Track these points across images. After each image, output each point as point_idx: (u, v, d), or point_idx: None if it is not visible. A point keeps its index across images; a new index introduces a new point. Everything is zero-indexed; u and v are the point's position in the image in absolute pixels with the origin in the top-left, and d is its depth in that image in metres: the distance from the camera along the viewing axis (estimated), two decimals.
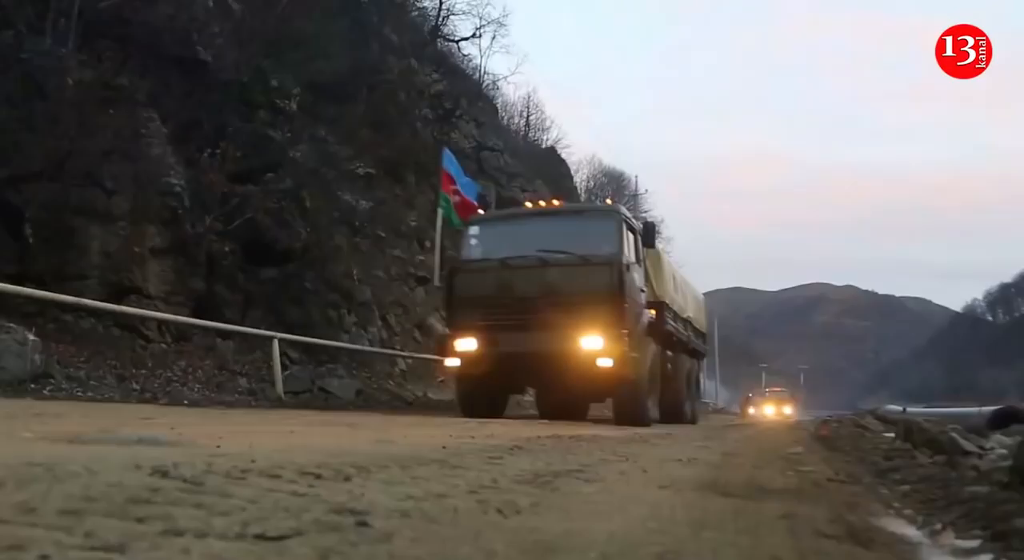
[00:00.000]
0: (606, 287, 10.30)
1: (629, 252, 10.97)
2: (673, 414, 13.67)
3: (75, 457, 2.27)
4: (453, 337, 10.97)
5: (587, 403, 13.80)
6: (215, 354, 13.09)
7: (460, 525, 1.76)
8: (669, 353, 13.51)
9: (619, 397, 10.89)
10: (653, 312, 12.05)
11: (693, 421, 15.20)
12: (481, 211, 13.83)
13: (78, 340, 10.96)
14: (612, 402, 11.36)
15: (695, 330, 16.50)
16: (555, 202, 12.61)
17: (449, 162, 15.96)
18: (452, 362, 10.94)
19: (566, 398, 12.81)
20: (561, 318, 10.02)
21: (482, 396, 10.98)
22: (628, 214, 11.77)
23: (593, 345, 9.97)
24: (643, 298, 11.51)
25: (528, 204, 13.11)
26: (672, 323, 13.59)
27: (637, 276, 11.18)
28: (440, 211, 15.51)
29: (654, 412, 11.76)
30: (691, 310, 15.99)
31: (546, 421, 10.74)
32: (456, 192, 15.78)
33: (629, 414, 10.59)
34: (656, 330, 12.19)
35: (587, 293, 10.22)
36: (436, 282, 14.21)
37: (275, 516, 1.63)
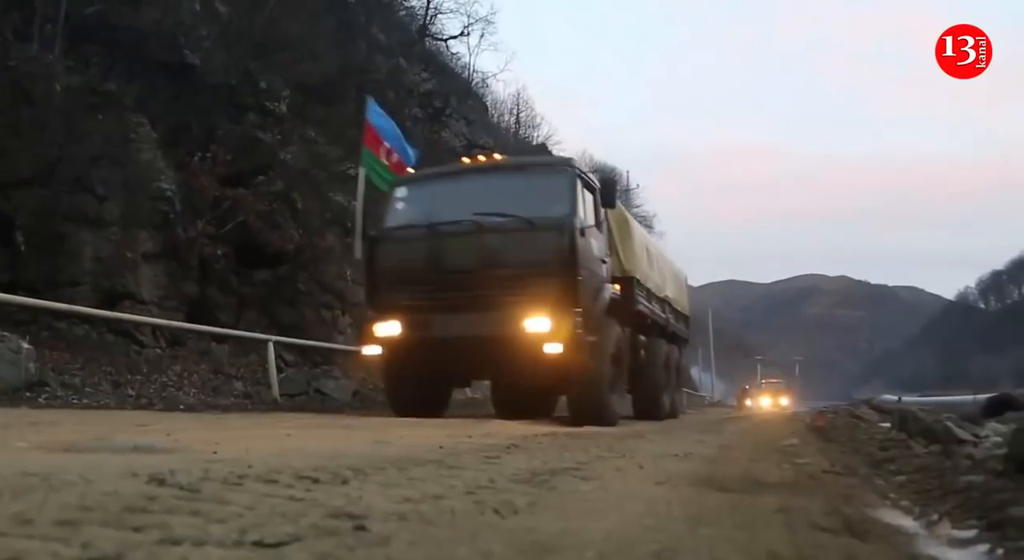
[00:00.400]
0: (555, 256, 8.64)
1: (585, 214, 9.26)
2: (649, 408, 12.20)
3: (71, 466, 2.27)
4: (373, 320, 9.31)
5: (552, 397, 11.85)
6: (210, 358, 13.07)
7: (457, 527, 1.76)
8: (642, 337, 11.77)
9: (573, 390, 9.24)
10: (618, 288, 10.22)
11: (673, 416, 13.46)
12: (410, 170, 11.81)
13: (72, 347, 10.93)
14: (567, 396, 9.71)
15: (675, 312, 14.54)
16: (497, 157, 10.71)
17: (377, 116, 13.39)
18: (371, 350, 9.29)
19: (524, 392, 11.17)
20: (502, 295, 8.52)
21: (415, 391, 9.36)
22: (584, 169, 9.98)
23: (538, 327, 8.38)
24: (605, 271, 9.82)
25: (465, 160, 10.94)
26: (645, 302, 11.76)
27: (595, 244, 9.49)
28: (361, 171, 12.87)
29: (620, 406, 10.19)
30: (670, 290, 14.12)
31: (498, 419, 9.23)
32: (389, 152, 13.26)
33: (587, 410, 8.98)
34: (623, 310, 10.41)
35: (532, 264, 8.64)
36: (357, 255, 11.64)
37: (272, 522, 1.63)
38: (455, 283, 8.77)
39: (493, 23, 33.54)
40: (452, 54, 34.67)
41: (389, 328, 8.99)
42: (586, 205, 9.40)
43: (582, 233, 8.86)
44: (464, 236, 9.00)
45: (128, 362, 11.43)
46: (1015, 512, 2.20)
